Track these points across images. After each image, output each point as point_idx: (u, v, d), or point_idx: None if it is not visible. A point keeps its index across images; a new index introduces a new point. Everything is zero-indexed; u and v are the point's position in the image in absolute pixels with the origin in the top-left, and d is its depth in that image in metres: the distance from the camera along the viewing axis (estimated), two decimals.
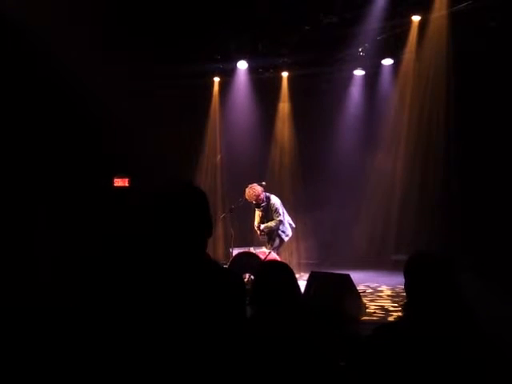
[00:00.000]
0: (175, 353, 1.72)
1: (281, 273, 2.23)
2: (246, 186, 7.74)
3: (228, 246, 8.61)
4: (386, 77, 10.31)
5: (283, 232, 7.66)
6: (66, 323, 3.75)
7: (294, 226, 7.91)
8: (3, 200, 7.26)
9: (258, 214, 7.82)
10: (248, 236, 8.52)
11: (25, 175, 7.76)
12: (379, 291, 7.65)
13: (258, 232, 7.77)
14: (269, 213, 7.65)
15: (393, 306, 6.32)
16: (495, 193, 8.22)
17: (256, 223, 7.82)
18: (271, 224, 7.58)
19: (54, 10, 6.78)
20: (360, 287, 7.28)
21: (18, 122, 7.85)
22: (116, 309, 1.81)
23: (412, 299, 2.00)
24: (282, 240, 7.71)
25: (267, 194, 7.73)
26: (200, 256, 1.86)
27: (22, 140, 7.90)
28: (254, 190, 7.55)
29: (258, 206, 7.71)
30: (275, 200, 7.68)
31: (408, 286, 2.02)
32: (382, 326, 2.05)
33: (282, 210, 7.67)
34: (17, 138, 7.84)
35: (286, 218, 7.76)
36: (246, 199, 7.65)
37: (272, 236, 7.67)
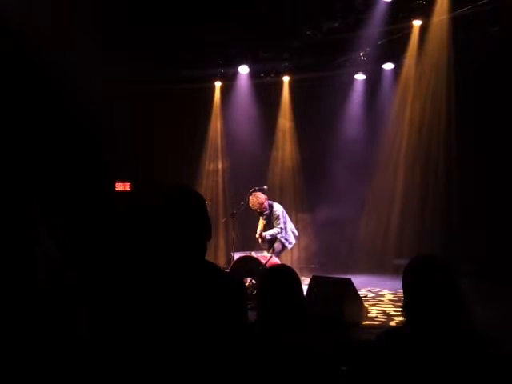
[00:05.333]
0: (176, 357, 1.71)
1: (286, 277, 2.23)
2: (248, 191, 7.75)
3: (229, 250, 8.61)
4: (386, 81, 10.32)
5: (286, 240, 7.66)
6: (64, 325, 3.75)
7: (297, 234, 7.92)
8: (3, 204, 7.26)
9: (261, 222, 7.83)
10: (249, 240, 8.51)
11: (26, 180, 7.76)
12: (381, 296, 7.63)
13: (260, 240, 7.77)
14: (271, 221, 7.66)
15: (394, 311, 6.31)
16: (495, 199, 8.22)
17: (258, 231, 7.82)
18: (273, 231, 7.59)
19: (53, 10, 6.78)
20: (361, 291, 7.26)
21: (17, 125, 7.85)
22: (115, 313, 1.80)
23: (411, 302, 1.99)
24: (284, 247, 7.71)
25: (270, 202, 7.76)
26: (200, 260, 1.86)
27: (22, 144, 7.90)
28: (258, 198, 7.58)
29: (261, 214, 7.73)
30: (277, 207, 7.71)
31: (408, 289, 2.01)
32: (385, 332, 2.05)
33: (283, 218, 7.66)
34: (16, 142, 7.85)
35: (289, 226, 7.77)
36: (248, 206, 7.67)
37: (273, 243, 7.67)
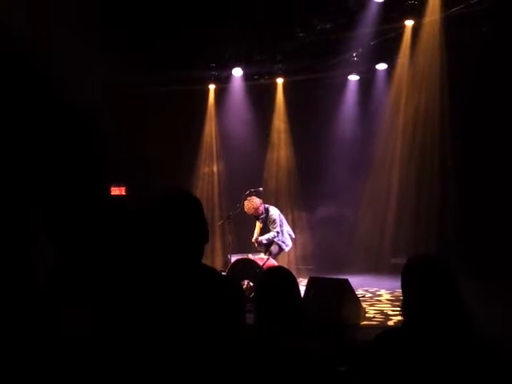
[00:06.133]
0: (173, 361, 1.71)
1: (283, 279, 2.23)
2: (244, 193, 7.73)
3: (226, 253, 8.59)
4: (380, 81, 10.34)
5: (283, 242, 7.63)
6: (61, 327, 3.74)
7: (293, 236, 7.90)
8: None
9: (258, 225, 7.80)
10: (246, 243, 8.50)
11: (21, 184, 7.74)
12: (378, 295, 7.64)
13: (256, 244, 7.74)
14: (268, 224, 7.64)
15: (392, 311, 6.32)
16: (491, 197, 8.24)
17: (255, 235, 7.79)
18: (269, 236, 7.56)
19: (48, 11, 6.76)
20: (359, 292, 7.27)
21: (13, 129, 7.83)
22: (112, 316, 1.80)
23: (410, 301, 2.00)
24: (281, 249, 7.69)
25: (266, 205, 7.73)
26: (197, 263, 1.86)
27: (17, 148, 7.87)
28: (253, 202, 7.54)
29: (257, 218, 7.71)
30: (274, 211, 7.67)
31: (407, 287, 2.01)
32: (383, 332, 2.05)
33: (279, 221, 7.63)
34: (12, 146, 7.82)
35: (286, 229, 7.73)
36: (244, 210, 7.64)
37: (270, 246, 7.65)
